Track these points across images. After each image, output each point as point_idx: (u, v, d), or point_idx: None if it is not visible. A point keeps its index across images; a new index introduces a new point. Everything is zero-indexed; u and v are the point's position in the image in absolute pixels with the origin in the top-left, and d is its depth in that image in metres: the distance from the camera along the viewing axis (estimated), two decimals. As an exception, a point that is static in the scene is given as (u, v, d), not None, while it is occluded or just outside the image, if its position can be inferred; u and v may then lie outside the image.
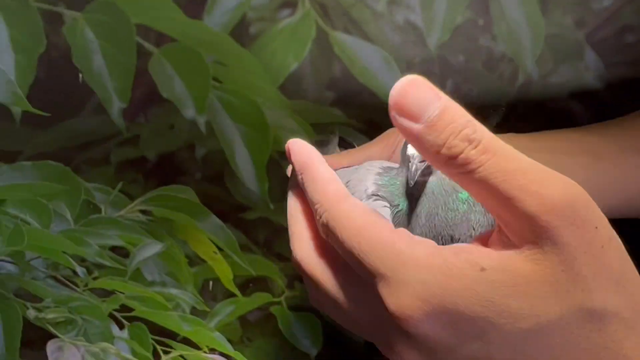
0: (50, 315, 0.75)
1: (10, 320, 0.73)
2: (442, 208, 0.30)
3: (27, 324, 0.74)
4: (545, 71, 0.69)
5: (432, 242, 0.27)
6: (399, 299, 0.26)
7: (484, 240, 0.27)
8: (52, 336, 0.75)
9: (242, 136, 0.70)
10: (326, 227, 0.28)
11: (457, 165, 0.24)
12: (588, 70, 0.69)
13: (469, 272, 0.25)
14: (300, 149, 0.31)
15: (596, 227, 0.25)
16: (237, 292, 0.75)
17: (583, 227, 0.25)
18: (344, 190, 0.29)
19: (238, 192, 0.72)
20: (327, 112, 0.69)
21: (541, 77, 0.69)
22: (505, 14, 0.67)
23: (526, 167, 0.24)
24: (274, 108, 0.69)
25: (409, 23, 0.67)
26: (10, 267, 0.73)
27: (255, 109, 0.69)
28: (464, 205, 0.30)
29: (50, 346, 0.76)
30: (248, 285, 0.76)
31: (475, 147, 0.24)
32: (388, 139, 0.45)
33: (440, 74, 0.68)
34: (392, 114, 0.25)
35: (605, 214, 0.26)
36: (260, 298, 0.76)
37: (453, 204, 0.30)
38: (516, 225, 0.25)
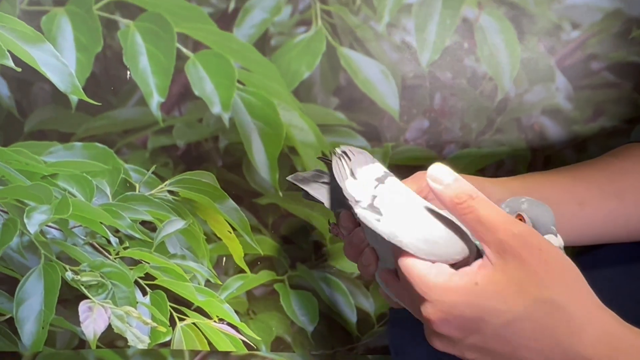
0: (85, 278, 0.86)
1: (51, 280, 0.85)
2: None
3: (64, 284, 0.86)
4: (521, 90, 0.80)
5: (450, 270, 0.41)
6: (427, 310, 0.40)
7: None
8: (84, 297, 0.87)
9: (259, 131, 0.82)
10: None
11: (460, 209, 0.40)
12: (558, 91, 0.80)
13: (469, 287, 0.39)
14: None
15: (540, 249, 0.39)
16: (246, 268, 0.86)
17: (531, 247, 0.39)
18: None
19: (253, 180, 0.84)
20: (332, 115, 0.81)
21: (517, 95, 0.80)
22: (487, 40, 0.79)
23: (500, 213, 0.40)
24: (287, 109, 0.81)
25: (404, 43, 0.79)
26: (55, 233, 0.85)
27: (271, 109, 0.81)
28: None
29: (82, 306, 0.87)
30: (256, 263, 0.86)
31: (473, 199, 0.39)
32: (419, 182, 0.49)
33: (430, 88, 0.80)
34: (428, 180, 0.41)
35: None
36: (266, 275, 0.86)
37: None
38: (492, 247, 0.39)
